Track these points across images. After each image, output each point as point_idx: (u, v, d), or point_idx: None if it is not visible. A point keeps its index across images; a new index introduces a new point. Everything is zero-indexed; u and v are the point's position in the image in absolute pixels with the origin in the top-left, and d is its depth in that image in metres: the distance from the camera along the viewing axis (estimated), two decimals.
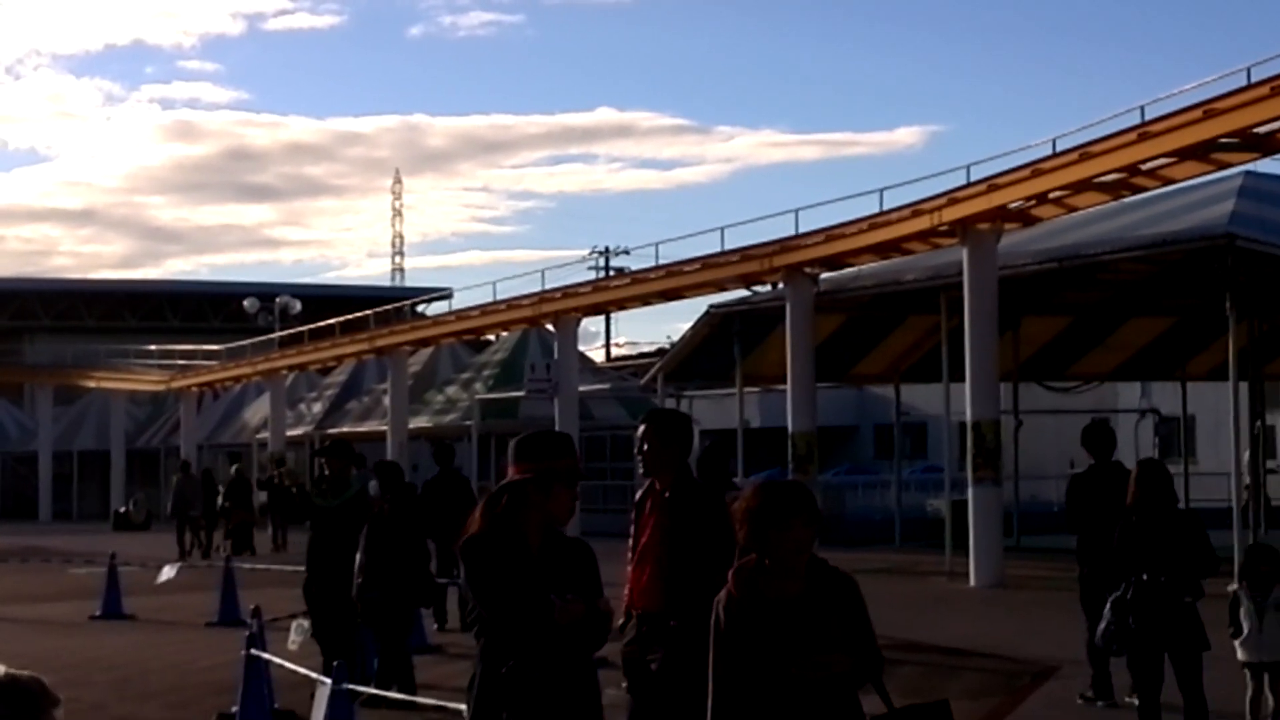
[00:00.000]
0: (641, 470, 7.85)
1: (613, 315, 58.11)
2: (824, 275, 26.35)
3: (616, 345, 70.01)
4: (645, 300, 32.25)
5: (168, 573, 20.97)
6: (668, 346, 52.22)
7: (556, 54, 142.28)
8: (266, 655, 10.54)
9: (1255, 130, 18.10)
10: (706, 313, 29.44)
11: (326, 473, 13.92)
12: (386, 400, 39.64)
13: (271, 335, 48.67)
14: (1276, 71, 17.46)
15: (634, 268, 42.79)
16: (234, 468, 36.61)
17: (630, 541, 7.86)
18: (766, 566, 5.16)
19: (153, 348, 58.06)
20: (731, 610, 5.22)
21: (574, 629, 5.88)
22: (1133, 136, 19.43)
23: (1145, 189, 20.96)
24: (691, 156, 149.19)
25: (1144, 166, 19.86)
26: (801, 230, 26.02)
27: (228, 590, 19.13)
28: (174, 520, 34.51)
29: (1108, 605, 9.46)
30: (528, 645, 5.87)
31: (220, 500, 34.66)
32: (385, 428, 38.48)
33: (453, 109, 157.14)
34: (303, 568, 13.50)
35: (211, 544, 34.10)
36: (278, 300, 53.43)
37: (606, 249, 66.63)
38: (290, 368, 45.84)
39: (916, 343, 29.82)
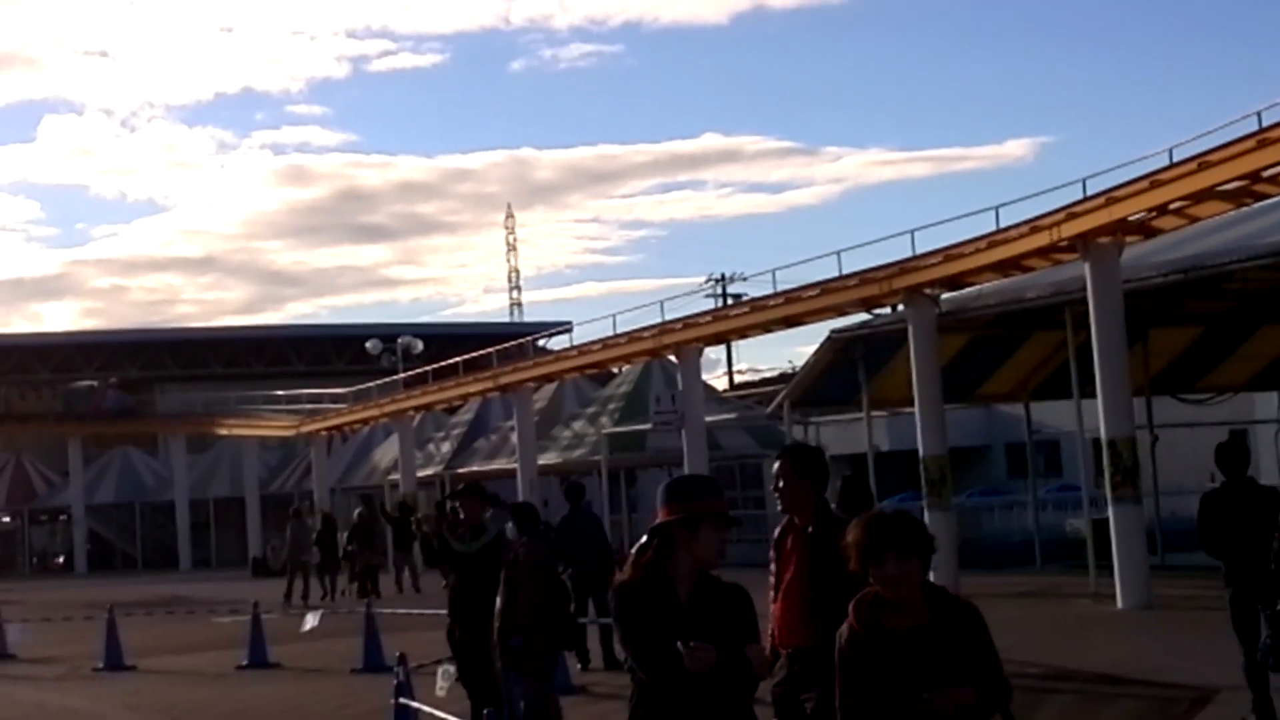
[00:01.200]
0: (780, 507, 7.91)
1: (733, 343, 58.13)
2: (945, 295, 26.24)
3: (739, 372, 70.08)
4: (766, 328, 32.28)
5: (311, 621, 21.36)
6: (790, 371, 52.19)
7: (658, 82, 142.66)
8: (415, 704, 10.73)
9: None
10: (828, 338, 29.41)
11: (461, 516, 14.13)
12: (514, 438, 39.97)
13: (396, 376, 49.28)
14: None
15: (751, 294, 42.85)
16: (357, 511, 37.02)
17: (772, 579, 7.91)
18: (885, 599, 5.23)
19: (280, 393, 59.03)
20: (854, 643, 5.28)
21: (716, 675, 5.90)
22: (1251, 144, 19.20)
23: (1268, 196, 20.69)
24: (800, 178, 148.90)
25: (1265, 174, 19.62)
26: (918, 251, 25.95)
27: (371, 636, 19.40)
28: (288, 567, 35.14)
29: (1263, 620, 9.36)
30: (668, 693, 5.93)
31: (346, 544, 35.17)
32: (514, 465, 38.79)
33: (559, 141, 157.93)
34: (444, 611, 13.72)
35: (336, 589, 34.64)
36: (400, 341, 54.08)
37: (723, 276, 66.78)
38: (416, 408, 46.38)
39: (1044, 359, 29.56)
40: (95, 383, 67.27)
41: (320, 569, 35.21)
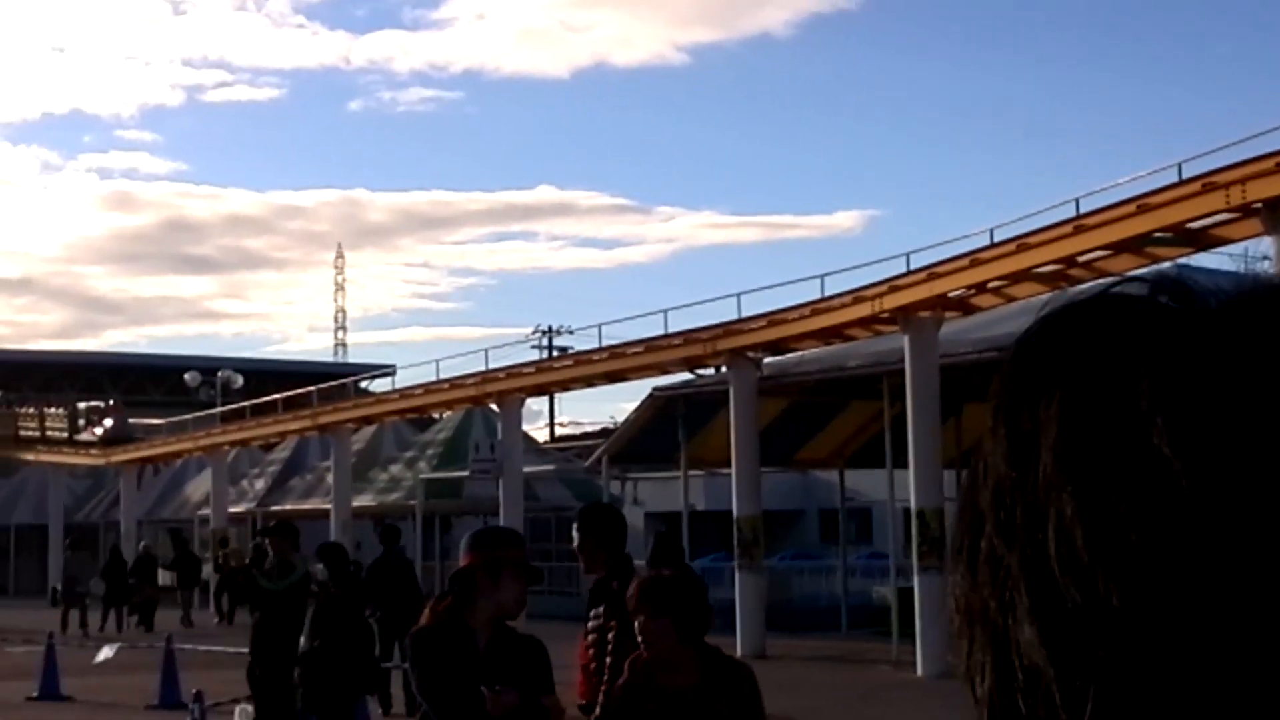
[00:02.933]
0: (583, 569, 7.99)
1: (556, 395, 58.14)
2: (767, 360, 26.58)
3: (560, 425, 70.07)
4: (589, 382, 32.37)
5: (106, 653, 20.83)
6: (611, 426, 52.30)
7: (496, 131, 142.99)
8: None
9: (1188, 226, 18.48)
10: (650, 395, 29.60)
11: (270, 553, 13.97)
12: (330, 478, 39.50)
13: (213, 410, 48.44)
14: (1207, 169, 17.87)
15: (577, 347, 42.98)
16: (141, 544, 37.28)
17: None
18: (660, 655, 5.35)
19: None
20: (624, 699, 5.39)
21: None
22: (1068, 229, 19.80)
23: (1082, 280, 21.27)
24: (632, 236, 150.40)
25: (1080, 259, 20.22)
26: (744, 314, 26.28)
27: (168, 672, 18.94)
28: (63, 599, 34.99)
29: None
30: None
31: (128, 576, 35.49)
32: (329, 506, 38.31)
33: (393, 184, 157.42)
34: (245, 649, 13.52)
35: (121, 620, 34.77)
36: (219, 374, 53.18)
37: (549, 328, 66.81)
38: (232, 443, 45.61)
39: (860, 428, 30.05)
40: None
41: (105, 600, 35.35)
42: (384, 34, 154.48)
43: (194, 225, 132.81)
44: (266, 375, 63.10)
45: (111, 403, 53.22)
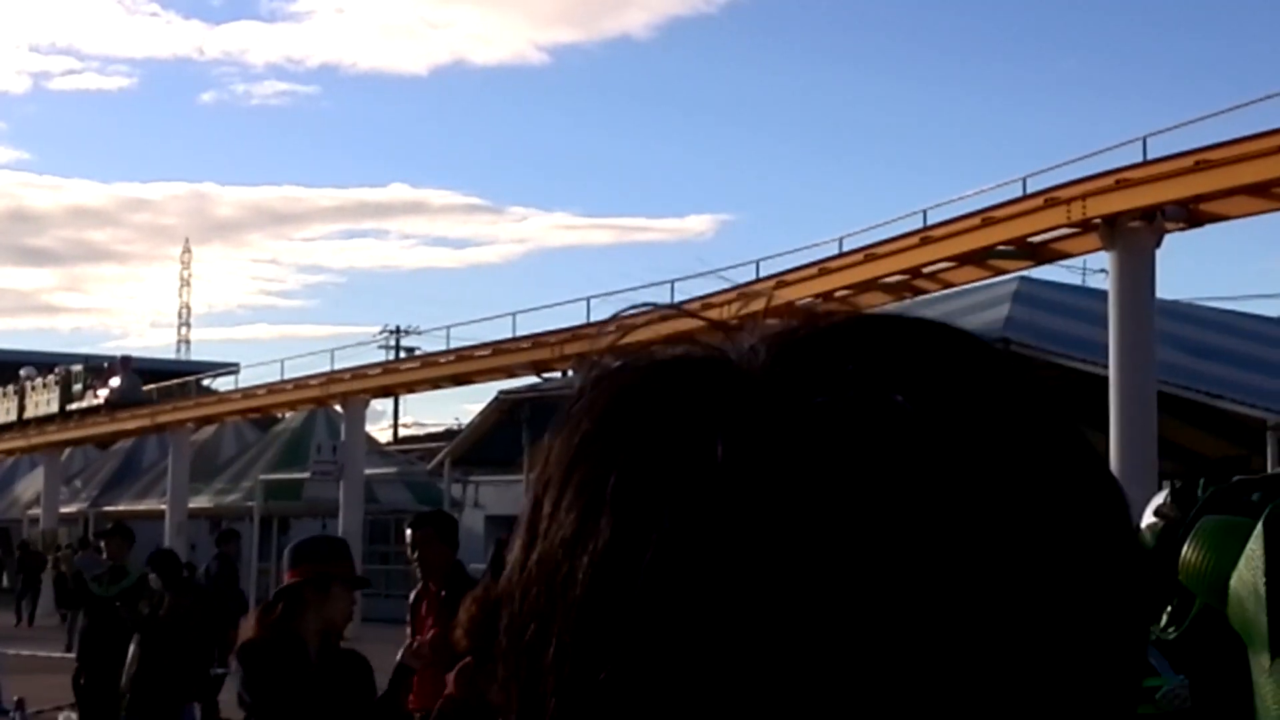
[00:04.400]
0: (419, 573, 7.96)
1: (401, 396, 57.64)
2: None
3: (404, 426, 69.49)
4: (435, 384, 32.10)
5: None
6: (455, 427, 51.99)
7: (351, 127, 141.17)
8: None
9: (1030, 239, 18.79)
10: (496, 399, 29.44)
11: (105, 557, 13.59)
12: (167, 478, 38.77)
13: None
14: (1050, 184, 18.18)
15: (425, 348, 42.64)
16: None
17: (410, 642, 7.90)
18: (489, 668, 5.17)
19: None
20: (452, 714, 5.24)
21: None
22: (915, 240, 20.03)
23: (927, 291, 21.57)
24: (484, 236, 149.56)
25: (926, 270, 20.46)
26: (593, 318, 26.25)
27: None
28: None
29: None
30: None
31: None
32: (164, 507, 37.60)
33: (243, 178, 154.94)
34: (71, 654, 13.13)
35: None
36: (56, 370, 51.87)
37: (398, 328, 66.16)
38: (67, 442, 44.60)
39: None
40: None
41: None
42: (240, 25, 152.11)
43: (34, 216, 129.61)
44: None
45: (119, 359, 47.10)
